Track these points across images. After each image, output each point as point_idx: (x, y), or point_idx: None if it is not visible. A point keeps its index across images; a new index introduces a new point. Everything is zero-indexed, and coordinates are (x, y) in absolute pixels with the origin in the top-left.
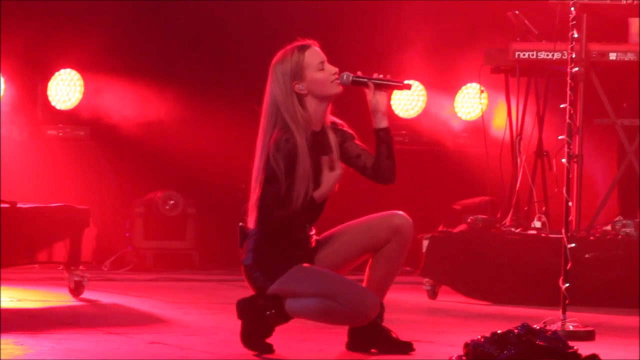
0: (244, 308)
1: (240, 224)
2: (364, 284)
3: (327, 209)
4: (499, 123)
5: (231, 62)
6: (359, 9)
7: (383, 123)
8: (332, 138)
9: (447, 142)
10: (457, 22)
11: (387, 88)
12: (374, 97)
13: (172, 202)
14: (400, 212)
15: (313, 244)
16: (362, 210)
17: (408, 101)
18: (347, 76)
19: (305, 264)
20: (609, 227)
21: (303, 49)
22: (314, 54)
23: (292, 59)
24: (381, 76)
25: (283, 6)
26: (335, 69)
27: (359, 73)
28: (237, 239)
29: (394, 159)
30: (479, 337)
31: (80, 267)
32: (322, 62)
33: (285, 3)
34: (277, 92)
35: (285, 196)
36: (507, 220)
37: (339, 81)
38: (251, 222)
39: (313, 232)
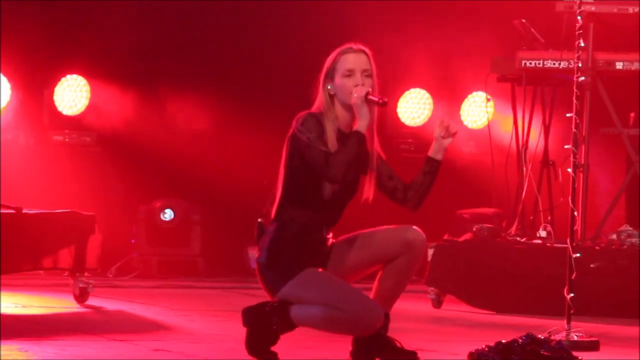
0: (250, 316)
1: (259, 220)
2: (372, 294)
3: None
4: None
5: (240, 68)
6: (366, 16)
7: (440, 156)
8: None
9: (453, 151)
10: (463, 31)
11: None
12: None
13: (167, 215)
14: (414, 227)
15: (328, 246)
16: (370, 217)
17: (414, 109)
18: (360, 97)
19: (317, 269)
20: (614, 237)
21: (344, 52)
22: (348, 60)
23: (331, 58)
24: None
25: (292, 13)
26: (360, 83)
27: (371, 94)
28: (254, 235)
29: (429, 192)
30: (484, 346)
31: (85, 274)
32: (351, 70)
33: (293, 12)
34: (319, 83)
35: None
36: (513, 230)
37: (353, 98)
38: (273, 212)
39: (330, 235)
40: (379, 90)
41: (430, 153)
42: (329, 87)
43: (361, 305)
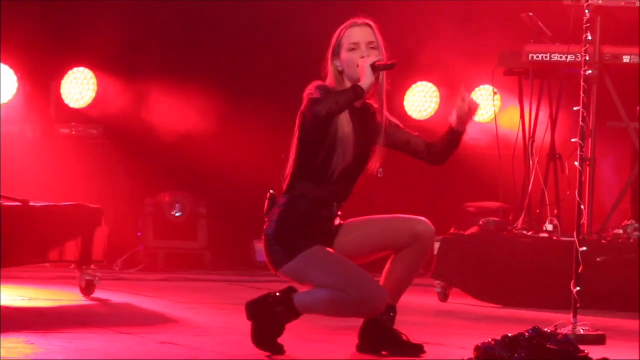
0: (254, 309)
1: (271, 191)
2: None
3: (345, 207)
4: (508, 124)
5: (247, 62)
6: (373, 9)
7: (463, 127)
8: (374, 113)
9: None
10: (470, 24)
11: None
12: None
13: (177, 210)
14: (424, 219)
15: (336, 225)
16: (377, 209)
17: (421, 102)
18: (367, 63)
19: (324, 247)
20: (620, 231)
21: (348, 26)
22: (354, 34)
23: (337, 34)
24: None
25: (297, 7)
26: (365, 55)
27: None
28: (265, 206)
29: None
30: (490, 340)
31: (92, 267)
32: (356, 44)
33: (298, 5)
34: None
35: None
36: (519, 223)
37: (360, 64)
38: (284, 187)
39: (339, 213)
40: (388, 59)
41: (453, 125)
42: (336, 64)
43: (365, 287)
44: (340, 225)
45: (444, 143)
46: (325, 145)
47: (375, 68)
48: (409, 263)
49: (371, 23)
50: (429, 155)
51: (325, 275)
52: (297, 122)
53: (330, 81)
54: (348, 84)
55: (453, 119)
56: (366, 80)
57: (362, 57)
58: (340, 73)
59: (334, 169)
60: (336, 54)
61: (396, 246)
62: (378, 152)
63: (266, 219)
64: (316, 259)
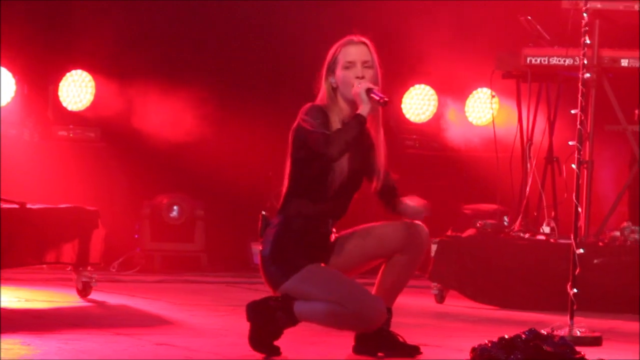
0: (254, 310)
1: (263, 212)
2: (374, 288)
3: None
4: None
5: (244, 64)
6: (370, 12)
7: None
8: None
9: (457, 147)
10: (468, 27)
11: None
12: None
13: (174, 212)
14: (418, 222)
15: (332, 241)
16: (373, 212)
17: (419, 105)
18: (363, 88)
19: (320, 265)
20: (617, 233)
21: (344, 44)
22: (349, 52)
23: (332, 50)
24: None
25: (297, 8)
26: (360, 74)
27: (375, 90)
28: (258, 227)
29: None
30: (487, 341)
31: (89, 268)
32: (351, 62)
33: (298, 6)
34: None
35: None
36: (516, 225)
37: (355, 87)
38: (279, 205)
39: (334, 230)
40: (382, 79)
41: (397, 207)
42: (331, 80)
43: (364, 302)
44: (335, 239)
45: (394, 208)
46: (320, 161)
47: (369, 97)
48: (404, 265)
49: (367, 41)
50: (380, 196)
51: (322, 292)
52: (290, 139)
53: (322, 97)
54: (341, 102)
55: (401, 206)
56: (364, 106)
57: (357, 77)
58: (334, 90)
59: (330, 185)
60: (331, 70)
61: (392, 250)
62: (377, 173)
63: (261, 240)
64: (312, 277)
